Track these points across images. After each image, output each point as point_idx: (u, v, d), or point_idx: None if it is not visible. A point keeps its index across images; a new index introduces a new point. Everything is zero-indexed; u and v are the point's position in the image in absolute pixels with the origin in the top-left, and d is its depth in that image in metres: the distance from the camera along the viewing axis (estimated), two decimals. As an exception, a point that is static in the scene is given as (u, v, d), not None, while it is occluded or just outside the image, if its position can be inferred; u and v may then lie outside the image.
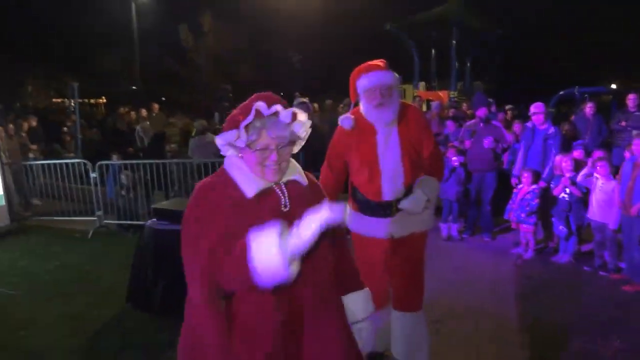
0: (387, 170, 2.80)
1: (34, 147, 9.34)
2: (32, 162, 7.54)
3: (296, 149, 1.69)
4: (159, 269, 4.09)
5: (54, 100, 23.44)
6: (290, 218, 1.54)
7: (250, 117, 1.53)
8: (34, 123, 10.01)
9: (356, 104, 2.95)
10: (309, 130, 1.66)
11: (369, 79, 2.73)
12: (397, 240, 2.89)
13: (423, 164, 2.89)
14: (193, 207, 1.58)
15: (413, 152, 2.84)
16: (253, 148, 1.56)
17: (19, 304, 4.47)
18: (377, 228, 2.88)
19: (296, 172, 1.69)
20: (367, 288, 1.93)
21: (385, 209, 2.84)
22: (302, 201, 1.64)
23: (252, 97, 1.60)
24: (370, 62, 2.80)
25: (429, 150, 2.90)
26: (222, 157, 1.68)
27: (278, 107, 1.56)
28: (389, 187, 2.81)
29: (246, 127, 1.54)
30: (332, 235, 1.66)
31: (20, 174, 7.76)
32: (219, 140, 1.61)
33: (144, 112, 10.96)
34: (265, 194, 1.60)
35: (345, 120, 2.88)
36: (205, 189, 1.61)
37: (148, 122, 10.01)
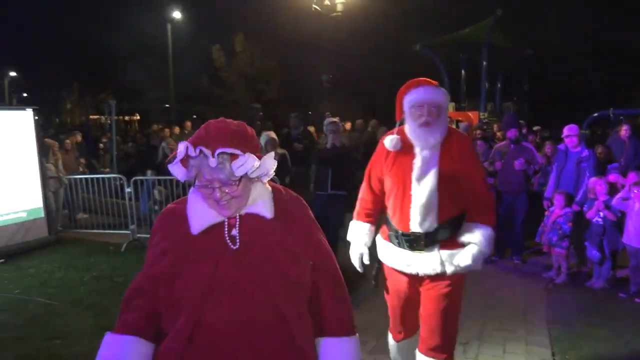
0: (420, 199, 2.51)
1: (82, 161, 9.71)
2: (70, 176, 7.82)
3: (264, 179, 1.51)
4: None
5: (91, 117, 24.28)
6: (238, 257, 1.41)
7: (179, 156, 1.40)
8: (79, 138, 10.40)
9: (401, 123, 2.71)
10: (270, 163, 1.47)
11: (418, 94, 2.54)
12: (427, 278, 2.62)
13: (466, 200, 2.60)
14: (152, 232, 1.54)
15: (453, 184, 2.54)
16: (198, 183, 1.43)
17: (55, 314, 4.62)
18: (403, 262, 2.63)
19: (258, 204, 1.49)
20: (355, 336, 1.59)
21: (412, 242, 2.57)
22: (260, 237, 1.45)
23: (202, 125, 1.47)
24: (420, 78, 2.62)
25: (476, 188, 2.59)
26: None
27: (204, 149, 1.37)
28: (420, 218, 2.53)
29: (184, 162, 1.41)
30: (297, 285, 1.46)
31: (70, 188, 8.07)
32: (172, 170, 1.46)
33: (177, 129, 11.27)
34: (213, 230, 1.45)
35: (389, 139, 2.64)
36: (163, 216, 1.54)
37: (171, 139, 10.24)
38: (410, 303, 2.72)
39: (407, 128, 2.60)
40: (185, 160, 1.41)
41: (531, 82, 17.70)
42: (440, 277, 2.58)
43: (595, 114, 10.57)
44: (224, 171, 1.39)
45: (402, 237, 2.60)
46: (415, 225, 2.55)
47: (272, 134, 6.78)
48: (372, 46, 19.90)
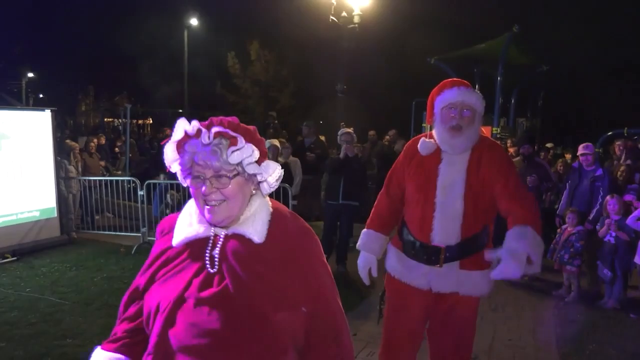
0: (444, 208, 2.31)
1: (102, 163, 9.83)
2: (84, 178, 7.92)
3: (264, 188, 1.32)
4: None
5: (105, 119, 24.56)
6: (215, 282, 1.23)
7: (176, 134, 1.28)
8: (102, 141, 10.53)
9: (430, 129, 2.55)
10: (274, 170, 1.31)
11: (451, 94, 2.34)
12: (439, 296, 2.41)
13: (500, 209, 2.35)
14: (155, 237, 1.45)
15: (481, 194, 2.31)
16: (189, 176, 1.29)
17: (66, 313, 4.66)
18: (416, 275, 2.41)
19: (249, 223, 1.28)
20: None
21: (431, 255, 2.35)
22: (244, 265, 1.23)
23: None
24: (455, 79, 2.47)
25: (508, 187, 2.30)
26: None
27: (202, 128, 1.25)
28: (442, 228, 2.32)
29: (180, 145, 1.29)
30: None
31: (84, 189, 8.18)
32: (165, 151, 1.33)
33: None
34: (197, 245, 1.30)
35: (423, 141, 2.44)
36: (163, 222, 1.44)
37: None
38: (414, 322, 2.46)
39: (436, 132, 2.42)
40: (181, 144, 1.27)
41: (545, 98, 17.66)
42: (454, 296, 2.37)
43: (610, 133, 10.51)
44: (217, 156, 1.23)
45: (421, 248, 2.38)
46: (437, 236, 2.33)
47: (276, 142, 6.82)
48: (386, 58, 20.00)
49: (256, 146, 1.28)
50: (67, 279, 5.69)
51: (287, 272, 1.25)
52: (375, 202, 2.65)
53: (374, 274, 2.59)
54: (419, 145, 2.45)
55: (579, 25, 18.63)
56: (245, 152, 1.25)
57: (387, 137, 9.95)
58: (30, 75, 29.55)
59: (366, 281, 2.61)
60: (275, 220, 1.31)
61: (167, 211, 7.15)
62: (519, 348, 4.07)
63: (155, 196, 7.53)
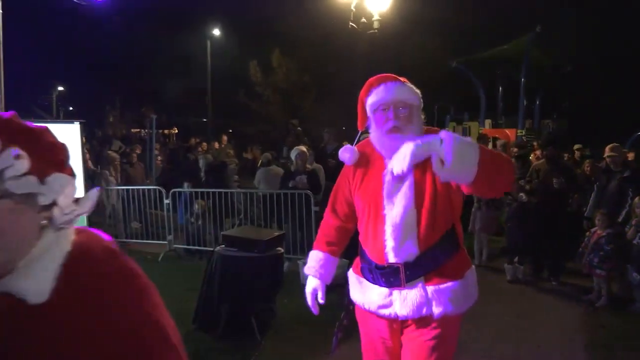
0: (394, 220, 2.02)
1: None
2: (113, 187, 8.11)
3: (56, 217, 0.91)
4: (224, 294, 4.27)
5: (132, 130, 25.08)
6: None
7: None
8: (138, 151, 10.78)
9: (365, 132, 2.30)
10: (70, 190, 0.95)
11: (379, 94, 2.06)
12: (408, 323, 2.08)
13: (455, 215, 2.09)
14: None
15: (436, 199, 2.01)
16: None
17: (96, 319, 4.77)
18: (379, 302, 2.09)
19: (21, 276, 0.87)
20: None
21: (389, 276, 2.05)
22: (11, 342, 0.84)
23: None
24: (382, 75, 2.14)
25: None
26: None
27: None
28: (396, 244, 2.02)
29: None
30: None
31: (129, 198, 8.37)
32: None
33: (216, 144, 11.54)
34: None
35: (344, 151, 2.19)
36: None
37: (209, 154, 10.48)
38: (381, 352, 2.18)
39: (373, 137, 2.16)
40: None
41: (571, 99, 17.32)
42: (426, 320, 2.03)
43: (639, 133, 10.24)
44: None
45: (377, 271, 2.09)
46: (391, 255, 2.03)
47: (303, 148, 6.88)
48: (407, 63, 19.93)
49: (34, 152, 0.88)
50: (96, 287, 5.82)
51: (87, 343, 0.86)
52: (322, 221, 2.40)
53: (321, 300, 2.29)
54: (340, 156, 2.21)
55: (603, 22, 18.21)
56: (3, 161, 0.83)
57: (326, 133, 9.82)
58: (60, 88, 30.48)
59: (314, 309, 2.31)
60: (72, 264, 0.90)
61: (192, 220, 7.27)
62: (545, 356, 3.99)
63: (181, 204, 7.66)
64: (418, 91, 2.11)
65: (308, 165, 6.73)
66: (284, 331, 4.36)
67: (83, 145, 7.60)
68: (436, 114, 16.49)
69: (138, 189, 7.95)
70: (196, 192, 7.40)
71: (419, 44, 19.70)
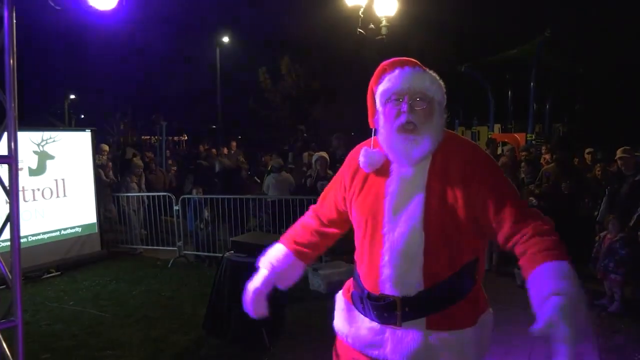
0: (395, 242, 1.62)
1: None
2: (123, 194, 8.19)
3: None
4: (233, 299, 4.29)
5: (143, 137, 25.30)
6: None
7: None
8: (148, 158, 10.88)
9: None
10: None
11: (393, 81, 1.65)
12: None
13: (499, 240, 1.64)
14: None
15: (453, 220, 1.60)
16: None
17: (107, 325, 4.82)
18: (364, 336, 1.72)
19: None
20: None
21: (383, 310, 1.65)
22: None
23: None
24: (397, 58, 1.74)
25: (508, 209, 1.58)
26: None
27: None
28: (395, 272, 1.62)
29: None
30: None
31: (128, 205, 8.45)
32: None
33: (225, 150, 11.61)
34: None
35: (364, 152, 1.75)
36: None
37: (225, 159, 10.55)
38: None
39: (381, 134, 1.73)
40: None
41: (582, 102, 17.18)
42: None
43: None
44: None
45: (369, 301, 1.69)
46: (387, 284, 1.63)
47: (323, 154, 7.02)
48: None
49: None
50: (107, 293, 5.88)
51: None
52: (303, 217, 2.02)
53: (260, 306, 1.87)
54: (360, 160, 1.75)
55: (615, 23, 18.07)
56: None
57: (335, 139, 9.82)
58: (72, 97, 30.86)
59: (251, 313, 1.88)
60: None
61: (201, 226, 7.31)
62: (558, 360, 3.94)
63: (190, 211, 7.70)
64: (442, 83, 1.71)
65: (329, 172, 6.77)
66: (293, 337, 4.36)
67: (95, 152, 7.72)
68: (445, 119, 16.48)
69: (148, 196, 8.01)
70: (205, 199, 7.44)
71: (427, 49, 19.69)
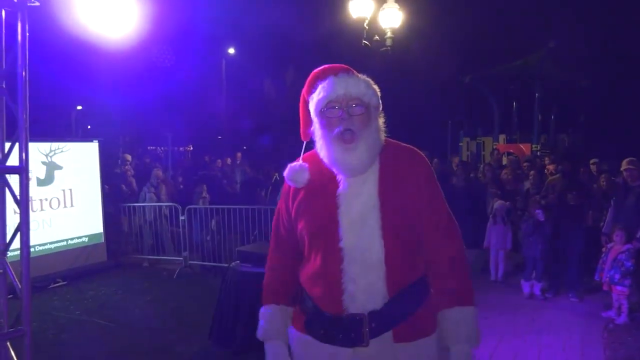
0: (356, 255, 1.55)
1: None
2: (130, 204, 8.24)
3: None
4: (239, 309, 4.30)
5: (149, 147, 25.44)
6: None
7: None
8: (156, 169, 10.97)
9: (309, 145, 1.76)
10: None
11: (329, 88, 1.58)
12: None
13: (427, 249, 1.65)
14: None
15: (406, 222, 1.59)
16: None
17: (113, 335, 4.83)
18: None
19: None
20: None
21: (349, 331, 1.56)
22: None
23: None
24: (329, 65, 1.69)
25: (436, 230, 1.64)
26: None
27: None
28: (359, 287, 1.55)
29: None
30: None
31: (130, 215, 8.48)
32: None
33: (228, 160, 11.69)
34: None
35: (292, 171, 1.68)
36: None
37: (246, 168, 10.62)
38: None
39: (320, 146, 1.65)
40: None
41: (587, 113, 17.17)
42: None
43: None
44: None
45: (332, 325, 1.58)
46: (352, 302, 1.55)
47: None
48: (420, 78, 20.01)
49: None
50: (113, 302, 5.90)
51: None
52: (267, 264, 1.87)
53: None
54: (286, 176, 1.69)
55: (619, 36, 18.11)
56: None
57: None
58: (79, 107, 31.14)
59: None
60: None
61: (208, 237, 7.34)
62: (565, 372, 3.92)
63: (196, 221, 7.73)
64: (377, 88, 1.65)
65: None
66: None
67: (102, 162, 7.78)
68: (450, 129, 16.45)
69: (154, 206, 8.05)
70: (212, 209, 7.47)
71: (432, 60, 19.79)
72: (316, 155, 1.68)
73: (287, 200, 1.72)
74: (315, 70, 1.68)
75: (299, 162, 1.70)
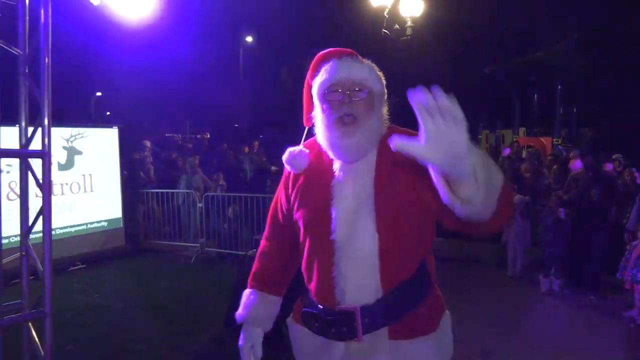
0: (349, 247, 1.50)
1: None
2: (149, 190, 8.31)
3: None
4: (256, 298, 4.31)
5: (166, 134, 25.67)
6: None
7: None
8: (174, 155, 11.04)
9: (309, 132, 1.70)
10: None
11: (329, 72, 1.54)
12: None
13: (446, 222, 1.44)
14: None
15: (405, 215, 1.49)
16: None
17: (130, 319, 4.89)
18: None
19: None
20: None
21: (341, 324, 1.52)
22: None
23: None
24: (332, 49, 1.65)
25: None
26: None
27: None
28: (351, 280, 1.50)
29: None
30: None
31: (148, 201, 8.55)
32: None
33: (246, 149, 11.69)
34: None
35: (290, 156, 1.65)
36: None
37: (255, 157, 10.63)
38: None
39: (319, 131, 1.59)
40: None
41: (611, 106, 16.78)
42: None
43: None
44: None
45: (323, 318, 1.56)
46: (345, 295, 1.50)
47: None
48: (441, 69, 19.77)
49: None
50: (131, 287, 5.98)
51: None
52: (258, 249, 1.86)
53: (258, 355, 1.75)
54: (284, 160, 1.65)
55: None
56: None
57: None
58: (98, 94, 31.48)
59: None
60: None
61: (225, 225, 7.37)
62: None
63: (213, 209, 7.78)
64: (381, 74, 1.59)
65: None
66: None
67: (121, 148, 7.85)
68: (468, 121, 16.27)
69: (172, 192, 8.11)
70: (229, 197, 7.50)
71: (453, 50, 19.51)
72: (317, 142, 1.62)
73: (286, 186, 1.69)
74: (320, 53, 1.64)
75: (298, 147, 1.66)
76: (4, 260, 2.74)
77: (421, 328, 1.53)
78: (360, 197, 1.49)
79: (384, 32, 9.89)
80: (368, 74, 1.54)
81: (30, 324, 2.90)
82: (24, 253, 2.93)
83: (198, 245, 7.52)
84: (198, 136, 28.02)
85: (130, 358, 4.06)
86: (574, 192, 5.91)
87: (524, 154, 10.71)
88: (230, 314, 4.50)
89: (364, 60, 1.60)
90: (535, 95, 16.56)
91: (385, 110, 1.60)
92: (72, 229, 6.98)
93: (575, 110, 15.34)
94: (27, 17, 2.90)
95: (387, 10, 9.66)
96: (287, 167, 1.66)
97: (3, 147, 2.60)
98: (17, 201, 2.99)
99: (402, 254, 1.51)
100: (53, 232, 6.68)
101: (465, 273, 6.43)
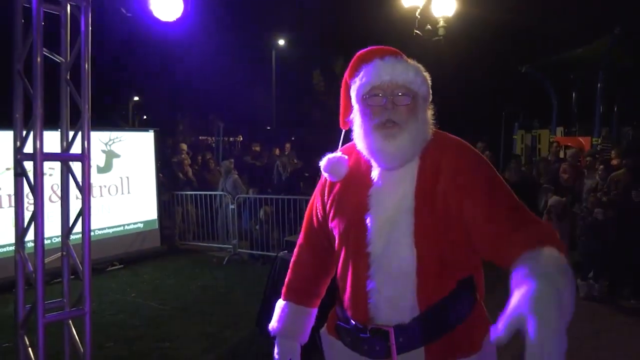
0: (384, 262, 1.40)
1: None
2: (182, 192, 8.49)
3: None
4: (287, 299, 4.34)
5: (200, 137, 26.15)
6: None
7: None
8: (209, 157, 11.29)
9: (347, 135, 1.61)
10: None
11: (370, 74, 1.43)
12: None
13: (480, 249, 1.39)
14: None
15: (443, 229, 1.38)
16: None
17: (165, 318, 5.02)
18: None
19: None
20: None
21: (374, 343, 1.43)
22: None
23: None
24: (374, 47, 1.53)
25: (491, 209, 1.34)
26: None
27: None
28: (385, 297, 1.41)
29: None
30: None
31: (181, 203, 8.73)
32: None
33: (277, 151, 11.81)
34: None
35: (329, 164, 1.56)
36: None
37: (284, 158, 10.72)
38: None
39: (358, 136, 1.50)
40: None
41: (655, 105, 16.09)
42: None
43: None
44: None
45: (356, 334, 1.47)
46: (378, 312, 1.42)
47: None
48: (475, 69, 19.42)
49: None
50: (166, 286, 6.12)
51: None
52: (292, 258, 1.79)
53: None
54: (323, 168, 1.56)
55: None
56: None
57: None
58: (136, 98, 32.36)
59: None
60: None
61: (257, 226, 7.46)
62: (625, 378, 3.72)
63: (246, 210, 7.88)
64: (428, 76, 1.47)
65: None
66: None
67: (157, 151, 8.06)
68: (504, 121, 15.88)
69: (205, 194, 8.26)
70: (261, 199, 7.58)
71: (487, 49, 19.14)
72: (355, 147, 1.53)
73: (322, 193, 1.61)
74: (360, 52, 1.52)
75: (337, 154, 1.57)
76: (46, 260, 2.85)
77: (462, 349, 1.42)
78: (400, 207, 1.40)
79: (416, 32, 9.80)
80: (413, 76, 1.43)
81: (70, 322, 3.01)
82: (64, 253, 3.05)
83: (231, 246, 7.64)
84: (231, 139, 28.45)
85: (165, 355, 4.16)
86: (614, 193, 5.71)
87: (561, 154, 10.40)
88: (261, 315, 4.58)
89: (409, 60, 1.49)
90: (574, 94, 16.04)
91: (430, 114, 1.50)
92: (110, 230, 7.21)
93: (615, 109, 14.77)
94: (69, 26, 3.01)
95: (418, 10, 9.57)
96: (326, 176, 1.57)
97: (46, 151, 2.71)
98: (59, 203, 3.11)
99: (442, 271, 1.40)
100: (92, 233, 6.91)
101: (499, 278, 6.29)
